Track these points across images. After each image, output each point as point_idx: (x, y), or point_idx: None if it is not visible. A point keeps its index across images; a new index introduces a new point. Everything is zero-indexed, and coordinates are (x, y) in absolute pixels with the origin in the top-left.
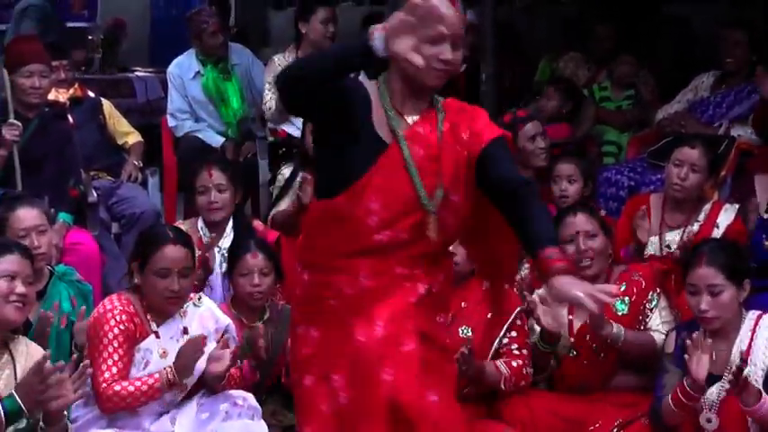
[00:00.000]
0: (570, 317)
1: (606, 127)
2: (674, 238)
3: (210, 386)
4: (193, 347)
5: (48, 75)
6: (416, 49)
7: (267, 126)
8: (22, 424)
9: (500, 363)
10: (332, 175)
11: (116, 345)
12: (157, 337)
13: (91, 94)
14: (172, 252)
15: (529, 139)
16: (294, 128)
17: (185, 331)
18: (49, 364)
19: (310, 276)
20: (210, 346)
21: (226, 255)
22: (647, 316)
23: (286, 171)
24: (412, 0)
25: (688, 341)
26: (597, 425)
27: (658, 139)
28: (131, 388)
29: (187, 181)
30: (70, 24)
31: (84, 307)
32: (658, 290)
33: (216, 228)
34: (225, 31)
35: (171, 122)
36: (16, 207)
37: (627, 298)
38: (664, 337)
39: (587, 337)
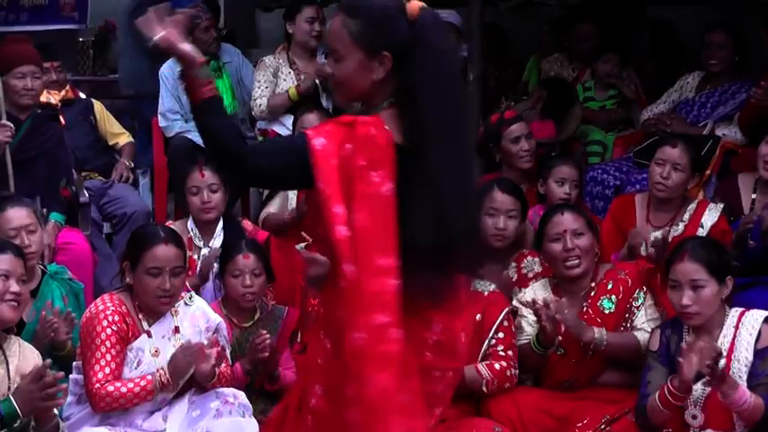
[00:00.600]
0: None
1: (591, 127)
2: (658, 236)
3: (201, 384)
4: (189, 354)
5: (39, 76)
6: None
7: (256, 126)
8: (15, 424)
9: (481, 366)
10: None
11: (109, 345)
12: (149, 336)
13: (82, 95)
14: (163, 251)
15: (513, 140)
16: (284, 128)
17: (177, 330)
18: (49, 372)
19: None
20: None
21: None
22: (633, 314)
23: None
24: None
25: (683, 344)
26: (584, 421)
27: (644, 138)
28: (124, 389)
29: (178, 182)
30: (60, 27)
31: (44, 312)
32: (644, 288)
33: (206, 228)
34: (217, 28)
35: (162, 123)
36: (6, 207)
37: (613, 296)
38: (649, 334)
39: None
